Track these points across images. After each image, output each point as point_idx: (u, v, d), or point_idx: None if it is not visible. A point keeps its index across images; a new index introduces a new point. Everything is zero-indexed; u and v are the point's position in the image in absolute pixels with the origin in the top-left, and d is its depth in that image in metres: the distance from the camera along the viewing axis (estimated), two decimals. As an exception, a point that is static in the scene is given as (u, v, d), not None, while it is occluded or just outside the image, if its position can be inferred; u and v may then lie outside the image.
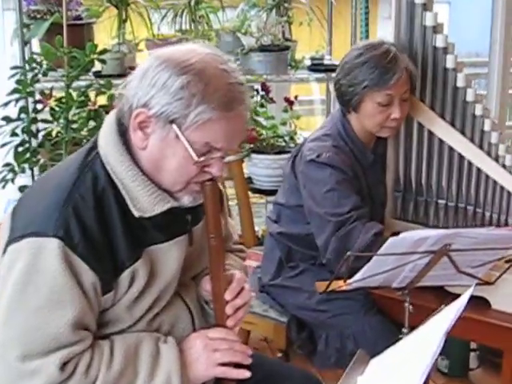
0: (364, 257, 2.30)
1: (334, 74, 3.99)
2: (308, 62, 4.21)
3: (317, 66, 4.18)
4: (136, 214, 1.81)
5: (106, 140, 1.85)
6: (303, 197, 2.88)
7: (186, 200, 1.88)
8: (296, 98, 4.15)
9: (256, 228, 3.80)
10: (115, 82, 3.56)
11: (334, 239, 2.73)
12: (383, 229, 2.75)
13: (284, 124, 4.11)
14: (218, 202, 1.93)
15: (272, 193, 4.02)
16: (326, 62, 4.23)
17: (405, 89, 2.78)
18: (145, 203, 1.82)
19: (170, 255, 1.91)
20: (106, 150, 1.84)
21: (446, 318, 1.75)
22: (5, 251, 1.79)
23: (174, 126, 1.75)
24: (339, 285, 2.37)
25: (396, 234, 2.94)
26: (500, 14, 3.90)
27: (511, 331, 2.60)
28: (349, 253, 2.23)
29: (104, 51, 3.54)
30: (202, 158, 1.79)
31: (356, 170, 2.88)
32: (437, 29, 2.82)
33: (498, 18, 3.92)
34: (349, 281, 2.33)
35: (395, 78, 2.73)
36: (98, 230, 1.77)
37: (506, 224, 2.81)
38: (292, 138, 4.08)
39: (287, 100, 4.10)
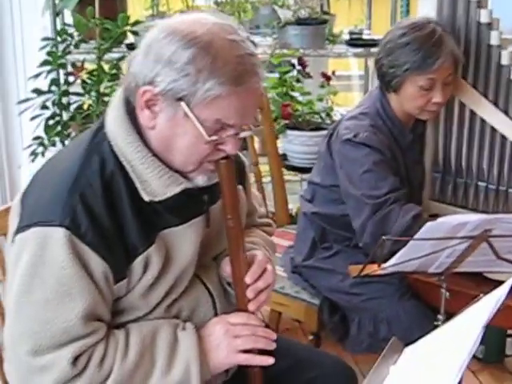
0: (402, 240, 2.21)
1: (373, 50, 4.02)
2: (346, 37, 4.10)
3: (355, 41, 4.07)
4: (146, 198, 1.73)
5: (114, 120, 1.76)
6: (339, 177, 2.79)
7: (201, 180, 1.79)
8: (333, 73, 4.06)
9: (290, 206, 3.71)
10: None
11: (370, 222, 2.65)
12: (422, 211, 2.66)
13: (320, 100, 4.02)
14: (235, 180, 1.84)
15: (307, 170, 3.93)
16: (365, 36, 4.13)
17: (448, 73, 2.67)
18: (155, 186, 1.73)
19: (185, 239, 1.83)
20: (114, 130, 1.75)
21: (485, 308, 1.67)
22: (13, 240, 1.73)
23: (183, 104, 1.66)
24: (373, 269, 2.29)
25: (434, 216, 2.91)
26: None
27: None
28: (384, 237, 2.14)
29: (137, 22, 3.47)
30: (214, 137, 1.70)
31: (394, 150, 2.78)
32: (481, 3, 2.70)
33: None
34: (383, 265, 2.25)
35: (439, 63, 2.62)
36: (106, 216, 1.69)
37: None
38: (328, 115, 3.99)
39: (324, 75, 4.02)
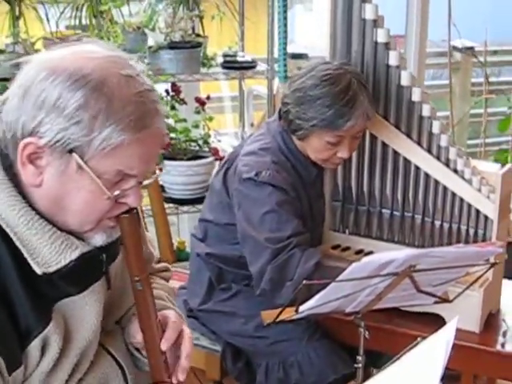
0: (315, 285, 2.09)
1: (247, 72, 3.88)
2: (220, 59, 3.93)
3: (230, 64, 3.91)
4: (38, 270, 1.47)
5: None
6: (237, 218, 2.59)
7: (99, 239, 1.54)
8: (208, 98, 3.87)
9: (171, 241, 3.51)
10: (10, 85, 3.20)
11: (270, 268, 2.46)
12: (321, 258, 2.51)
13: (196, 127, 3.82)
14: (140, 236, 1.61)
15: (187, 202, 3.80)
16: (239, 58, 3.97)
17: (358, 130, 2.53)
18: (47, 254, 1.47)
19: (86, 309, 1.59)
20: None
21: (436, 354, 1.55)
22: None
23: (75, 156, 1.41)
24: (289, 314, 2.15)
25: (336, 247, 2.79)
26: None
27: (469, 350, 2.48)
28: (304, 282, 2.00)
29: (-1, 52, 3.18)
30: (116, 192, 1.46)
31: (297, 188, 2.62)
32: (377, 23, 2.58)
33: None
34: (301, 308, 2.10)
35: (349, 125, 2.46)
36: None
37: (460, 235, 2.61)
38: (206, 142, 3.80)
39: (198, 100, 3.82)
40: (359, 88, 2.47)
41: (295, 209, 2.55)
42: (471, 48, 5.87)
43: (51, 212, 1.49)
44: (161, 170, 1.59)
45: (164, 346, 1.63)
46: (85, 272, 1.56)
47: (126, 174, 1.47)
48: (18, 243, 1.46)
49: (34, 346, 1.49)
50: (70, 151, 1.41)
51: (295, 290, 2.31)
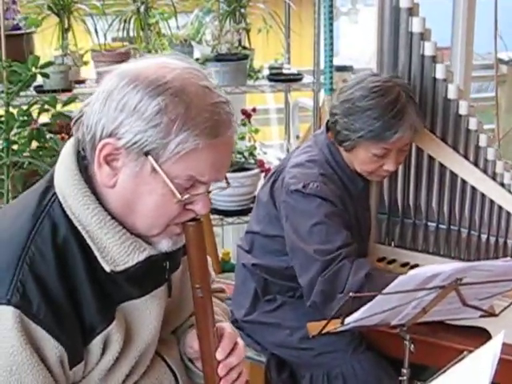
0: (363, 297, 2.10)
1: (293, 84, 3.90)
2: (266, 72, 3.96)
3: (276, 76, 3.94)
4: (107, 268, 1.52)
5: (65, 178, 1.54)
6: (285, 230, 2.61)
7: (165, 245, 1.58)
8: (254, 110, 3.90)
9: (216, 252, 3.52)
10: (59, 97, 3.26)
11: (320, 280, 2.47)
12: (373, 268, 2.52)
13: (242, 138, 3.86)
14: (205, 245, 1.62)
15: (232, 214, 3.83)
16: (285, 71, 3.99)
17: (405, 143, 2.54)
18: (116, 254, 1.52)
19: (147, 312, 1.63)
20: (65, 190, 1.53)
21: (482, 369, 1.56)
22: None
23: (151, 159, 1.46)
24: (334, 326, 2.15)
25: (381, 260, 2.78)
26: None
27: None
28: (351, 294, 1.99)
29: (48, 64, 3.24)
30: (186, 196, 1.49)
31: (345, 200, 2.63)
32: (425, 35, 2.59)
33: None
34: (346, 320, 2.11)
35: (396, 137, 2.47)
36: (61, 291, 1.48)
37: (506, 249, 2.60)
38: (252, 154, 3.83)
39: (245, 113, 3.85)
40: (407, 101, 2.48)
41: (343, 220, 2.56)
42: (517, 60, 5.83)
43: (122, 214, 1.54)
44: (228, 183, 1.62)
45: (220, 355, 1.64)
46: (149, 276, 1.60)
47: (197, 180, 1.50)
48: (89, 241, 1.51)
49: (96, 343, 1.53)
50: (146, 153, 1.46)
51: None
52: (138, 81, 1.46)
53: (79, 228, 1.52)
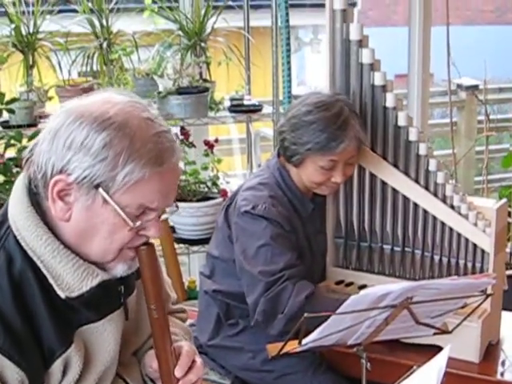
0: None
1: (253, 115, 3.99)
2: (228, 103, 4.03)
3: (237, 107, 4.01)
4: (62, 294, 1.58)
5: (18, 211, 1.61)
6: (235, 251, 2.68)
7: (120, 269, 1.66)
8: (216, 140, 3.97)
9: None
10: (25, 132, 3.32)
11: (262, 300, 2.54)
12: (314, 290, 2.57)
13: (205, 169, 3.92)
14: (157, 267, 1.72)
15: (197, 242, 3.89)
16: (245, 102, 4.06)
17: (351, 155, 2.63)
18: (70, 281, 1.59)
19: (106, 335, 1.69)
20: (18, 222, 1.60)
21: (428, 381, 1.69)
22: None
23: (101, 191, 1.53)
24: (293, 346, 2.20)
25: (339, 282, 2.85)
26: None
27: (470, 380, 2.52)
28: (306, 314, 2.05)
29: (13, 100, 3.31)
30: (138, 223, 1.57)
31: (294, 222, 2.71)
32: (374, 66, 2.68)
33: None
34: (304, 341, 2.16)
35: (342, 147, 2.56)
36: (19, 319, 1.54)
37: (458, 269, 2.67)
38: (215, 184, 3.90)
39: (207, 143, 3.92)
40: (350, 113, 2.59)
41: (289, 242, 2.63)
42: (475, 86, 5.96)
43: (77, 244, 1.61)
44: (177, 206, 1.70)
45: (178, 372, 1.70)
46: (104, 300, 1.67)
47: (147, 208, 1.58)
48: (43, 270, 1.58)
49: (56, 366, 1.59)
50: (97, 186, 1.53)
51: (287, 323, 2.47)
52: (83, 117, 1.53)
53: (34, 258, 1.58)
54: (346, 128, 2.56)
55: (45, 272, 1.58)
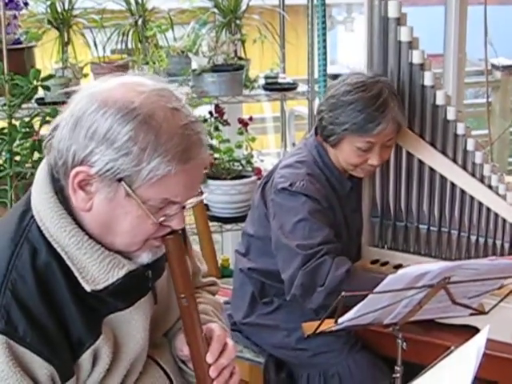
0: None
1: (288, 93, 3.97)
2: (262, 81, 4.02)
3: (271, 85, 3.99)
4: (87, 288, 1.54)
5: (40, 201, 1.56)
6: (271, 227, 2.68)
7: (145, 257, 1.62)
8: (251, 119, 3.96)
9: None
10: (60, 109, 3.31)
11: (301, 273, 2.53)
12: (352, 265, 2.58)
13: (239, 147, 3.92)
14: (184, 254, 1.68)
15: (230, 220, 3.89)
16: (280, 80, 4.05)
17: (388, 138, 2.61)
18: (96, 273, 1.55)
19: (134, 323, 1.67)
20: (42, 213, 1.55)
21: (467, 361, 1.63)
22: None
23: (124, 184, 1.48)
24: (329, 325, 2.20)
25: (374, 262, 2.85)
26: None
27: (506, 361, 2.50)
28: (343, 293, 2.04)
29: (49, 77, 3.30)
30: (161, 219, 1.54)
31: (331, 200, 2.70)
32: (413, 44, 2.66)
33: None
34: (340, 320, 2.16)
35: (379, 129, 2.55)
36: (45, 312, 1.51)
37: (495, 249, 2.66)
38: (249, 162, 3.89)
39: (241, 121, 3.91)
40: (390, 95, 2.57)
41: (327, 218, 2.63)
42: (510, 66, 5.89)
43: (100, 234, 1.57)
44: (201, 193, 1.65)
45: (210, 358, 1.67)
46: (132, 288, 1.63)
47: (171, 201, 1.54)
48: (68, 262, 1.54)
49: (85, 357, 1.57)
50: (119, 180, 1.48)
51: (326, 296, 2.45)
52: (106, 106, 1.47)
53: (58, 250, 1.54)
54: (384, 110, 2.54)
55: (69, 264, 1.54)
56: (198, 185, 1.63)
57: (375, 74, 2.66)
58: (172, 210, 1.56)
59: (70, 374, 1.55)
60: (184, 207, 1.58)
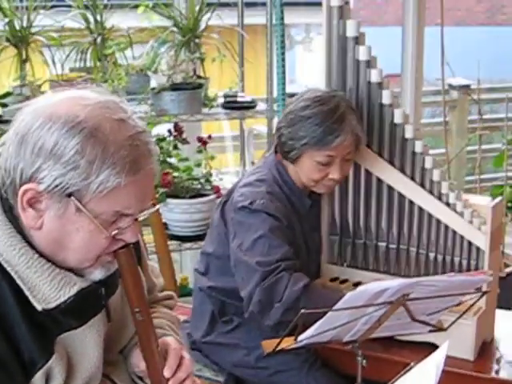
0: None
1: (247, 112, 3.98)
2: (221, 100, 4.02)
3: (230, 104, 4.00)
4: (38, 307, 1.52)
5: None
6: (231, 247, 2.66)
7: (98, 274, 1.60)
8: (210, 137, 3.96)
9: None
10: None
11: (258, 290, 2.51)
12: (310, 281, 2.56)
13: (198, 165, 3.91)
14: (137, 268, 1.66)
15: (189, 239, 3.88)
16: (239, 99, 4.06)
17: (348, 151, 2.62)
18: (47, 291, 1.52)
19: (87, 341, 1.64)
20: None
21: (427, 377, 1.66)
22: None
23: (74, 199, 1.46)
24: (288, 343, 2.19)
25: (334, 279, 2.85)
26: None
27: (464, 378, 2.50)
28: (303, 310, 2.03)
29: (6, 94, 3.28)
30: (114, 232, 1.53)
31: (291, 218, 2.70)
32: (371, 63, 2.68)
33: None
34: (299, 338, 2.15)
35: (338, 141, 2.56)
36: None
37: (453, 266, 2.67)
38: (208, 180, 3.89)
39: (200, 140, 3.91)
40: (347, 109, 2.59)
41: (287, 236, 2.62)
42: (467, 86, 5.97)
43: (52, 251, 1.54)
44: (154, 204, 1.64)
45: (167, 373, 1.66)
46: (84, 306, 1.60)
47: (123, 214, 1.52)
48: (18, 281, 1.51)
49: (38, 378, 1.54)
50: (69, 195, 1.46)
51: (284, 312, 2.44)
52: (51, 122, 1.45)
53: (8, 269, 1.51)
54: (342, 122, 2.56)
55: (20, 283, 1.51)
56: (150, 196, 1.61)
57: (332, 90, 2.68)
58: (125, 222, 1.54)
59: None
60: (137, 219, 1.57)
